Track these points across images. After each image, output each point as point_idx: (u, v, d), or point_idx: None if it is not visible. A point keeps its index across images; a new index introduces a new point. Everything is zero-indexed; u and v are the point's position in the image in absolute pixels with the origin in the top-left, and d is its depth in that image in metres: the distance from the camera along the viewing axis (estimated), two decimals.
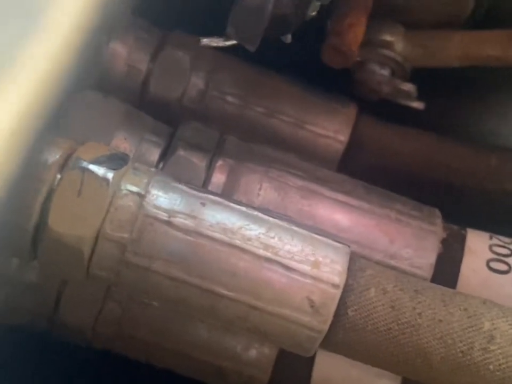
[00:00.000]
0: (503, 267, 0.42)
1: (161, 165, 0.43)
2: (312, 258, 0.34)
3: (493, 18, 0.49)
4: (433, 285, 0.37)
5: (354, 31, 0.44)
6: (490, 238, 0.44)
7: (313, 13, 0.37)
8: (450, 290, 0.36)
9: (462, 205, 0.51)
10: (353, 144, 0.50)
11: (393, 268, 0.41)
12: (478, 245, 0.43)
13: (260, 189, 0.42)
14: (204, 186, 0.42)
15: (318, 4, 0.37)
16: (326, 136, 0.49)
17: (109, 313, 0.44)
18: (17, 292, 0.44)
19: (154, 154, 0.43)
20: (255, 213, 0.35)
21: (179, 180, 0.36)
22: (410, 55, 0.49)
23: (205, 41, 0.36)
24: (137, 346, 0.45)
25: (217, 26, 0.42)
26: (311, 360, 0.44)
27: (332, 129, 0.49)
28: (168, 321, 0.44)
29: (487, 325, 0.34)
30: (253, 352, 0.44)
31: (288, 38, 0.39)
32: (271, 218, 0.35)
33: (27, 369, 0.47)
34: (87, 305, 0.44)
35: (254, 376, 0.45)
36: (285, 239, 0.35)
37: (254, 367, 0.45)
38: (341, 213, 0.43)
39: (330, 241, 0.36)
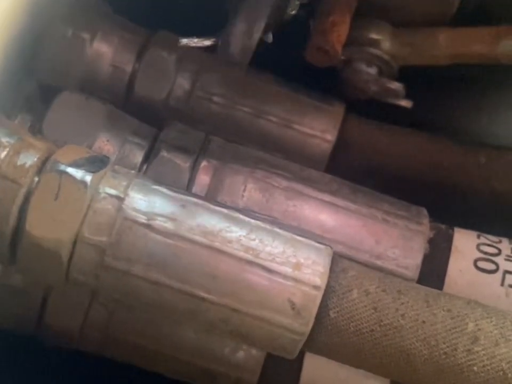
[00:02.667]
0: (490, 266, 0.42)
1: (145, 167, 0.43)
2: (293, 260, 0.34)
3: (481, 15, 0.49)
4: (417, 285, 0.36)
5: (338, 30, 0.44)
6: (478, 237, 0.43)
7: (293, 12, 0.37)
8: (435, 291, 0.36)
9: (451, 204, 0.50)
10: (341, 143, 0.49)
11: (379, 268, 0.41)
12: (466, 245, 0.43)
13: (244, 190, 0.42)
14: (188, 187, 0.42)
15: (298, 3, 0.36)
16: (313, 135, 0.49)
17: (95, 317, 0.43)
18: (3, 296, 0.44)
19: (137, 156, 0.43)
20: (236, 215, 0.35)
21: (159, 182, 0.36)
22: (397, 53, 0.49)
23: (184, 41, 0.36)
24: (125, 349, 0.45)
25: (203, 26, 0.41)
26: (299, 361, 0.44)
27: (319, 128, 0.49)
28: (156, 324, 0.44)
29: (471, 326, 0.34)
30: (241, 354, 0.44)
31: (270, 38, 0.38)
32: (252, 220, 0.35)
33: (14, 373, 0.47)
34: (73, 308, 0.43)
35: (242, 378, 0.45)
36: (266, 241, 0.34)
37: (242, 369, 0.44)
38: (327, 214, 0.43)
39: (312, 242, 0.35)
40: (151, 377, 0.46)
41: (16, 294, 0.43)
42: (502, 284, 0.42)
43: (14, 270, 0.41)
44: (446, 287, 0.42)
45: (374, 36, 0.48)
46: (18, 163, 0.33)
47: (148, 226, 0.34)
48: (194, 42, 0.35)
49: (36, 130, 0.42)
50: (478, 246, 0.43)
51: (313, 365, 0.44)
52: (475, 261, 0.42)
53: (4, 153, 0.33)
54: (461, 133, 0.55)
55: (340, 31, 0.44)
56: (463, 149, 0.50)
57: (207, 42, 0.35)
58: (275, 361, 0.44)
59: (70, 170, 0.33)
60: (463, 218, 0.46)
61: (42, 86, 0.45)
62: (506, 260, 0.42)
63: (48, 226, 0.33)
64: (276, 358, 0.43)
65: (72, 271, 0.34)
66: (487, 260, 0.42)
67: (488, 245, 0.43)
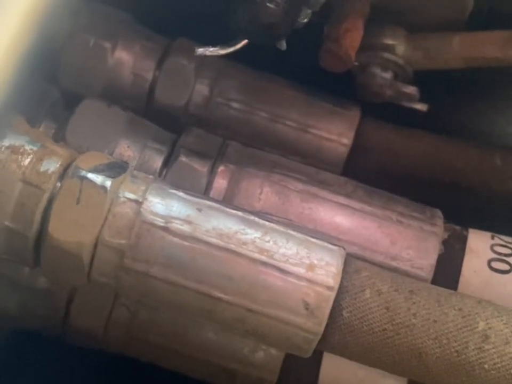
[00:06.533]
0: (504, 267, 0.43)
1: (164, 172, 0.44)
2: (307, 261, 0.35)
3: (494, 20, 0.49)
4: (429, 285, 0.37)
5: (351, 36, 0.44)
6: (492, 237, 0.44)
7: (305, 20, 0.38)
8: (447, 290, 0.37)
9: (466, 205, 0.51)
10: (358, 147, 0.50)
11: (394, 269, 0.42)
12: (480, 245, 0.43)
13: (261, 193, 0.43)
14: (206, 191, 0.43)
15: (309, 11, 0.37)
16: (330, 139, 0.49)
17: (118, 317, 0.45)
18: (29, 297, 0.45)
19: (157, 161, 0.44)
20: (251, 217, 0.36)
21: (177, 187, 0.37)
22: (411, 57, 0.49)
23: (200, 50, 0.37)
24: (147, 349, 0.46)
25: (222, 33, 0.42)
26: (318, 360, 0.45)
27: (335, 132, 0.50)
28: (177, 324, 0.45)
29: (481, 325, 0.34)
30: (260, 354, 0.45)
31: (283, 45, 0.39)
32: (266, 223, 0.36)
33: (40, 373, 0.48)
34: (97, 309, 0.45)
35: (262, 377, 0.45)
36: (280, 243, 0.35)
37: (261, 369, 0.45)
38: (342, 216, 0.44)
39: (325, 243, 0.36)
40: (172, 376, 0.47)
41: (42, 296, 0.45)
42: None
43: (39, 273, 0.42)
44: (460, 288, 0.42)
45: (388, 41, 0.49)
46: (41, 169, 0.35)
47: (165, 229, 0.35)
48: (210, 51, 0.36)
49: (59, 137, 0.43)
50: (492, 246, 0.43)
51: (331, 364, 0.45)
52: (489, 262, 0.43)
53: (27, 160, 0.35)
54: (477, 135, 0.56)
55: (353, 36, 0.44)
56: (479, 151, 0.51)
57: (222, 51, 0.36)
58: (294, 361, 0.45)
59: (91, 176, 0.35)
60: (477, 219, 0.47)
61: (65, 94, 0.46)
62: None
63: (70, 230, 0.34)
64: (294, 357, 0.43)
65: (94, 272, 0.35)
66: (501, 260, 0.43)
67: (502, 246, 0.43)
